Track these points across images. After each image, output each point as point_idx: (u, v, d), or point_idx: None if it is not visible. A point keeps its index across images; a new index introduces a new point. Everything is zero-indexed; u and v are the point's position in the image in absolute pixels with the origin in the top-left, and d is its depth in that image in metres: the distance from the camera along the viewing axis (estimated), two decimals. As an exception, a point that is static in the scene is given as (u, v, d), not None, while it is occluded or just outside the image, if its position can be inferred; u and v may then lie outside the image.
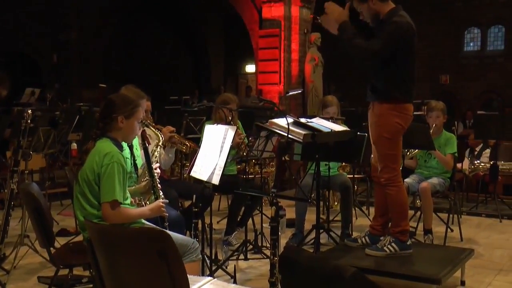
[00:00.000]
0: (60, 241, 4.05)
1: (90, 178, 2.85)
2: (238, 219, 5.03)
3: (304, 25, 9.34)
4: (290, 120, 3.75)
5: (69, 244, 3.59)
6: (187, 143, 4.78)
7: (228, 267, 4.21)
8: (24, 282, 4.11)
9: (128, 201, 3.03)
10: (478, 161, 6.94)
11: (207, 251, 3.93)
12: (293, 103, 9.19)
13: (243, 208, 4.99)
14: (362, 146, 4.85)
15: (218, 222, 5.83)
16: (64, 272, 3.43)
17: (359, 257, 3.78)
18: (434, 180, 5.01)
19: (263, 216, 4.94)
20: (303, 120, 3.99)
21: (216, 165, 3.56)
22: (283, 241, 4.81)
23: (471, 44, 17.12)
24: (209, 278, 2.48)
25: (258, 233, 4.87)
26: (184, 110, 6.90)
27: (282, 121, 3.73)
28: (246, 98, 13.07)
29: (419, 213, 5.40)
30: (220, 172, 3.51)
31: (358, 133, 4.55)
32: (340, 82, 15.19)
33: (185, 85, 16.09)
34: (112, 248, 2.08)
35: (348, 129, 4.66)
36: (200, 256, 3.14)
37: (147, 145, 3.54)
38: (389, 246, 3.76)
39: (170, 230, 3.05)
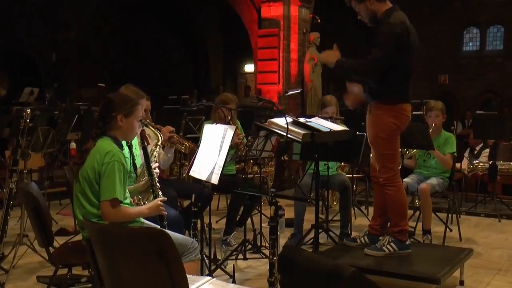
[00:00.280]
0: (59, 241, 4.04)
1: (90, 177, 2.85)
2: (237, 219, 5.03)
3: (303, 24, 9.31)
4: (289, 119, 3.75)
5: (68, 244, 3.60)
6: (186, 143, 4.77)
7: (227, 267, 4.22)
8: (23, 282, 4.11)
9: (128, 201, 3.03)
10: (477, 161, 6.94)
11: (206, 250, 3.93)
12: (292, 103, 9.18)
13: (242, 208, 5.00)
14: (361, 146, 4.84)
15: (217, 222, 5.83)
16: (63, 271, 3.42)
17: (358, 257, 3.78)
18: (433, 181, 5.01)
19: (262, 215, 4.93)
20: (302, 119, 3.99)
21: (215, 164, 3.56)
22: (282, 241, 4.82)
23: (470, 44, 17.15)
24: (208, 277, 2.49)
25: (257, 232, 4.87)
26: (183, 110, 6.91)
27: (281, 121, 3.73)
28: (245, 97, 13.07)
29: (418, 212, 5.40)
30: (219, 172, 3.51)
31: (357, 133, 4.55)
32: (339, 82, 15.16)
33: (184, 84, 16.10)
34: (111, 248, 2.08)
35: (347, 128, 4.66)
36: (199, 255, 3.14)
37: (146, 144, 3.54)
38: (388, 245, 3.77)
39: (169, 229, 3.05)
